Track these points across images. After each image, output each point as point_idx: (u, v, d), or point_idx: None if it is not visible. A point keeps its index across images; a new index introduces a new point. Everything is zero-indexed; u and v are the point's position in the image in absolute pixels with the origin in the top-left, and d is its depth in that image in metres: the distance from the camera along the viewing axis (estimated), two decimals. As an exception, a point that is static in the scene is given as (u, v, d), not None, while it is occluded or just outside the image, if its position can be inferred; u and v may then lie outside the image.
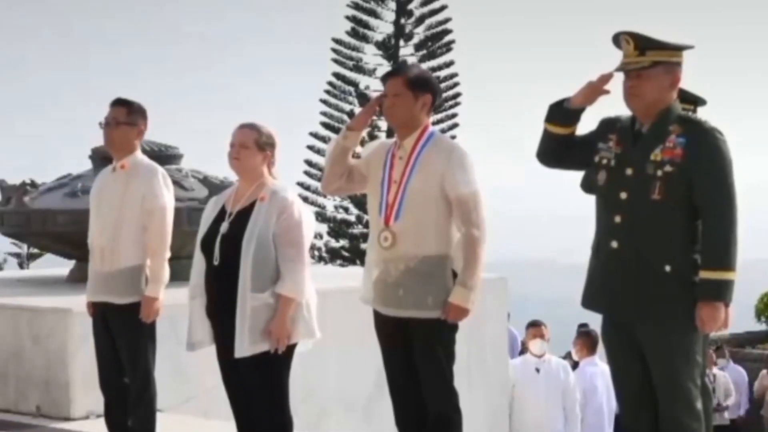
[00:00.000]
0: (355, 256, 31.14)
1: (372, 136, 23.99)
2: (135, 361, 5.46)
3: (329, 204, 32.77)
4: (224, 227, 4.87)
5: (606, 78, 4.38)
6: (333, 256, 32.60)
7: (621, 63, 4.34)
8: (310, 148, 32.12)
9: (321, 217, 32.24)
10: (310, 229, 4.89)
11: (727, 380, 14.90)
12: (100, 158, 7.65)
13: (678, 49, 4.33)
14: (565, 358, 10.39)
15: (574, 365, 9.59)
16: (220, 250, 4.82)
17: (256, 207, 4.83)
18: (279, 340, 4.74)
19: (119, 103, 5.60)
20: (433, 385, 4.77)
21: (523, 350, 10.51)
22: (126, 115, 5.56)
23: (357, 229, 32.39)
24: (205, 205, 5.18)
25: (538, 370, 8.65)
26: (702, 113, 5.06)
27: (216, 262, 4.83)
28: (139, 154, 5.61)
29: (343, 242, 32.89)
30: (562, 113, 4.47)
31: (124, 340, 5.47)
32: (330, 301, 6.86)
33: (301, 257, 4.80)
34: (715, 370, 14.79)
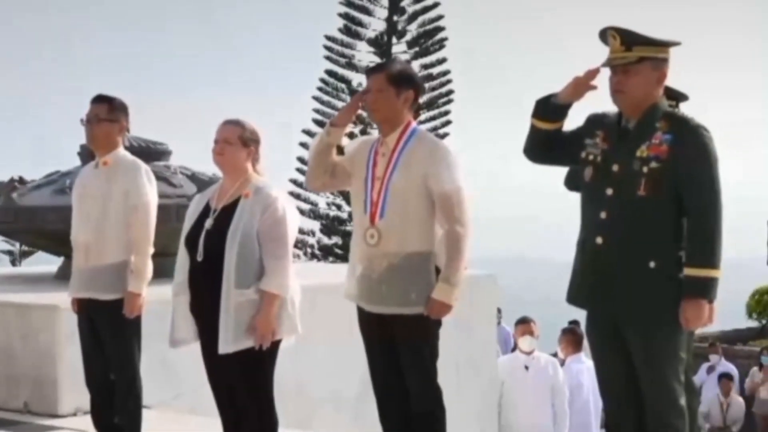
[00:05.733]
0: (347, 253, 30.90)
1: (364, 133, 23.96)
2: (120, 358, 5.45)
3: (321, 201, 32.76)
4: (208, 223, 4.85)
5: (593, 73, 4.38)
6: (325, 253, 32.57)
7: (607, 58, 4.33)
8: (303, 145, 32.08)
9: (313, 214, 32.22)
10: (295, 225, 4.87)
11: (741, 408, 14.84)
12: (89, 155, 7.63)
13: (664, 45, 4.33)
14: (554, 355, 10.39)
15: (563, 363, 9.59)
16: (204, 246, 4.80)
17: (240, 203, 4.81)
18: (263, 336, 4.72)
19: (100, 100, 5.57)
20: (417, 381, 4.76)
21: (516, 347, 10.52)
22: (107, 112, 5.54)
23: (349, 227, 32.34)
24: (193, 202, 5.17)
25: (527, 368, 8.64)
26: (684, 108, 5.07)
27: (200, 259, 4.81)
28: (121, 150, 5.59)
29: (335, 239, 32.85)
30: (550, 109, 4.46)
31: (109, 337, 5.46)
32: (320, 297, 6.86)
33: (285, 253, 4.78)
34: (732, 394, 14.74)
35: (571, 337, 9.38)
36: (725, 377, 14.99)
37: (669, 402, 4.23)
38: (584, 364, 8.94)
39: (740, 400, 15.02)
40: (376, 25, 33.20)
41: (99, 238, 5.46)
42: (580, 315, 4.88)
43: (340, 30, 33.07)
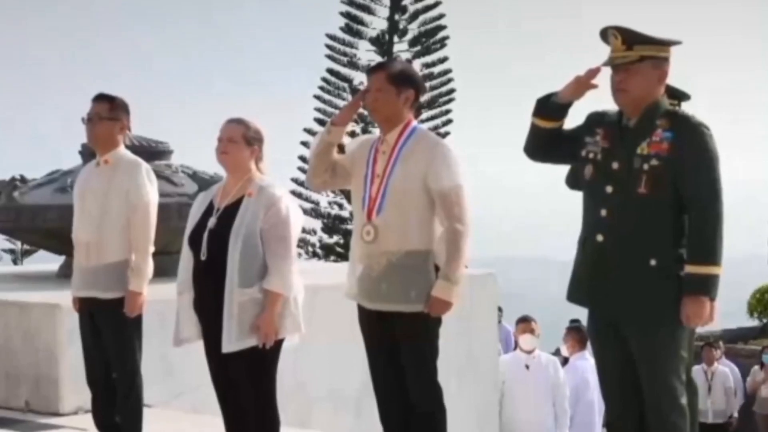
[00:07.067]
0: (348, 252, 30.91)
1: (365, 132, 23.95)
2: (121, 357, 5.45)
3: (323, 200, 32.75)
4: (212, 222, 4.86)
5: (593, 72, 4.38)
6: (327, 252, 32.57)
7: (608, 57, 4.34)
8: (304, 144, 32.07)
9: (315, 213, 32.20)
10: (298, 224, 4.89)
11: (727, 378, 14.79)
12: (90, 153, 7.64)
13: (665, 44, 4.33)
14: (554, 354, 10.40)
15: (564, 361, 9.60)
16: (208, 245, 4.81)
17: (243, 202, 4.82)
18: (267, 335, 4.73)
19: (101, 99, 5.57)
20: (417, 380, 4.76)
21: (517, 346, 10.53)
22: (108, 111, 5.54)
23: (350, 225, 32.30)
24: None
25: (527, 366, 8.66)
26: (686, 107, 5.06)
27: (203, 258, 4.82)
28: (122, 149, 5.60)
29: (336, 238, 32.86)
30: (550, 107, 4.47)
31: (111, 336, 5.46)
32: (321, 296, 6.86)
33: (288, 252, 4.79)
34: (716, 364, 14.77)
35: (576, 335, 9.40)
36: (709, 345, 14.94)
37: (670, 401, 4.23)
38: (588, 361, 8.94)
39: (726, 370, 14.93)
40: (377, 23, 33.23)
41: (100, 236, 5.46)
42: (581, 313, 4.88)
43: (341, 29, 33.09)
